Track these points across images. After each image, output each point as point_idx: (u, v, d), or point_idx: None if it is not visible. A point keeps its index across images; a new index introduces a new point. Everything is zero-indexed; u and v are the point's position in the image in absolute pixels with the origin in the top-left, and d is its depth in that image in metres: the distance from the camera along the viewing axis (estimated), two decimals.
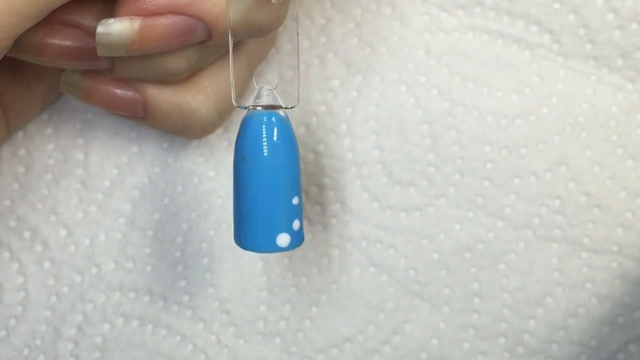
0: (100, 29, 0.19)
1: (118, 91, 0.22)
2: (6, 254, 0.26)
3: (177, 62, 0.21)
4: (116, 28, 0.19)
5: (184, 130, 0.24)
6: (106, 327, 0.26)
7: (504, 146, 0.27)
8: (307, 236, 0.27)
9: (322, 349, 0.27)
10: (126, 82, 0.22)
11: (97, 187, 0.27)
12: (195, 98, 0.23)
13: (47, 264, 0.26)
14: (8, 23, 0.17)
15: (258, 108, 0.20)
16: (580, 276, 0.26)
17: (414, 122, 0.27)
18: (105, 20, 0.19)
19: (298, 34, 0.21)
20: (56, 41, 0.19)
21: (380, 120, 0.27)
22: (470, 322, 0.27)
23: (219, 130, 0.27)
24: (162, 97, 0.22)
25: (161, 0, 0.19)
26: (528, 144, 0.27)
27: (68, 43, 0.20)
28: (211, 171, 0.27)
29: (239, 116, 0.27)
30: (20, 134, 0.26)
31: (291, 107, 0.21)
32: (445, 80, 0.27)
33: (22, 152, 0.26)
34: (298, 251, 0.26)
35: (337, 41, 0.27)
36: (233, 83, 0.21)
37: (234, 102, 0.21)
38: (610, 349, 0.26)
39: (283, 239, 0.20)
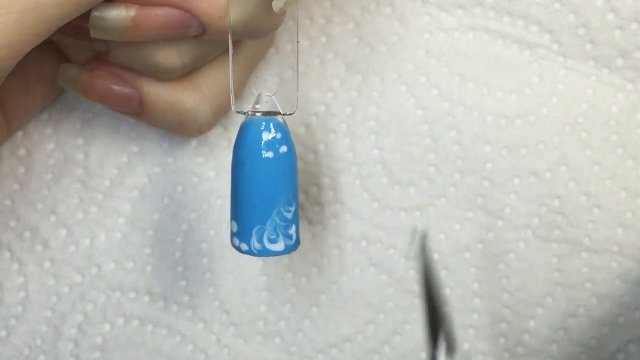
0: (95, 12, 0.19)
1: (115, 87, 0.22)
2: (6, 254, 0.26)
3: (169, 58, 0.21)
4: (111, 14, 0.19)
5: (180, 128, 0.24)
6: (106, 327, 0.26)
7: (504, 146, 0.27)
8: (307, 236, 0.27)
9: (322, 349, 0.27)
10: (123, 78, 0.22)
11: (97, 187, 0.27)
12: (191, 97, 0.23)
13: (47, 264, 0.26)
14: (19, 42, 0.17)
15: (258, 114, 0.20)
16: (580, 276, 0.26)
17: (414, 122, 0.27)
18: (101, 4, 0.19)
19: (298, 41, 0.21)
20: None
21: (380, 120, 0.27)
22: (470, 322, 0.27)
23: (219, 130, 0.27)
24: (157, 94, 0.22)
25: None
26: (528, 144, 0.27)
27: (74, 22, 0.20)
28: (211, 171, 0.27)
29: (238, 117, 0.27)
30: (20, 134, 0.26)
31: (290, 114, 0.21)
32: (445, 80, 0.27)
33: (22, 152, 0.26)
34: (298, 251, 0.26)
35: (337, 41, 0.27)
36: (232, 88, 0.21)
37: (233, 107, 0.21)
38: (610, 349, 0.26)
39: (279, 244, 0.21)
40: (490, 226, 0.27)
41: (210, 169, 0.27)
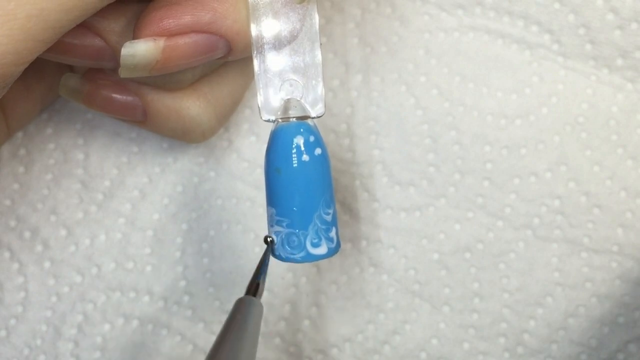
0: (125, 50, 0.18)
1: (118, 96, 0.22)
2: (6, 254, 0.26)
3: (181, 73, 0.21)
4: (141, 49, 0.18)
5: (183, 135, 0.24)
6: (106, 327, 0.26)
7: (504, 146, 0.27)
8: None
9: (322, 349, 0.27)
10: (126, 87, 0.22)
11: (97, 187, 0.27)
12: (196, 104, 0.22)
13: (47, 264, 0.26)
14: (25, 49, 0.17)
15: (292, 119, 0.20)
16: (580, 276, 0.26)
17: (414, 122, 0.27)
18: (129, 42, 0.19)
19: (321, 44, 0.21)
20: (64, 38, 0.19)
21: (380, 120, 0.27)
22: (470, 322, 0.27)
23: (219, 130, 0.27)
24: (162, 102, 0.22)
25: (184, 20, 0.19)
26: (528, 144, 0.27)
27: (75, 42, 0.20)
28: (211, 171, 0.27)
29: (237, 117, 0.27)
30: (20, 134, 0.26)
31: (319, 116, 0.21)
32: (445, 80, 0.27)
33: (22, 152, 0.26)
34: None
35: (337, 41, 0.27)
36: (262, 98, 0.20)
37: (261, 116, 0.20)
38: (610, 349, 0.26)
39: (322, 248, 0.20)
40: (490, 226, 0.27)
41: (210, 169, 0.27)
